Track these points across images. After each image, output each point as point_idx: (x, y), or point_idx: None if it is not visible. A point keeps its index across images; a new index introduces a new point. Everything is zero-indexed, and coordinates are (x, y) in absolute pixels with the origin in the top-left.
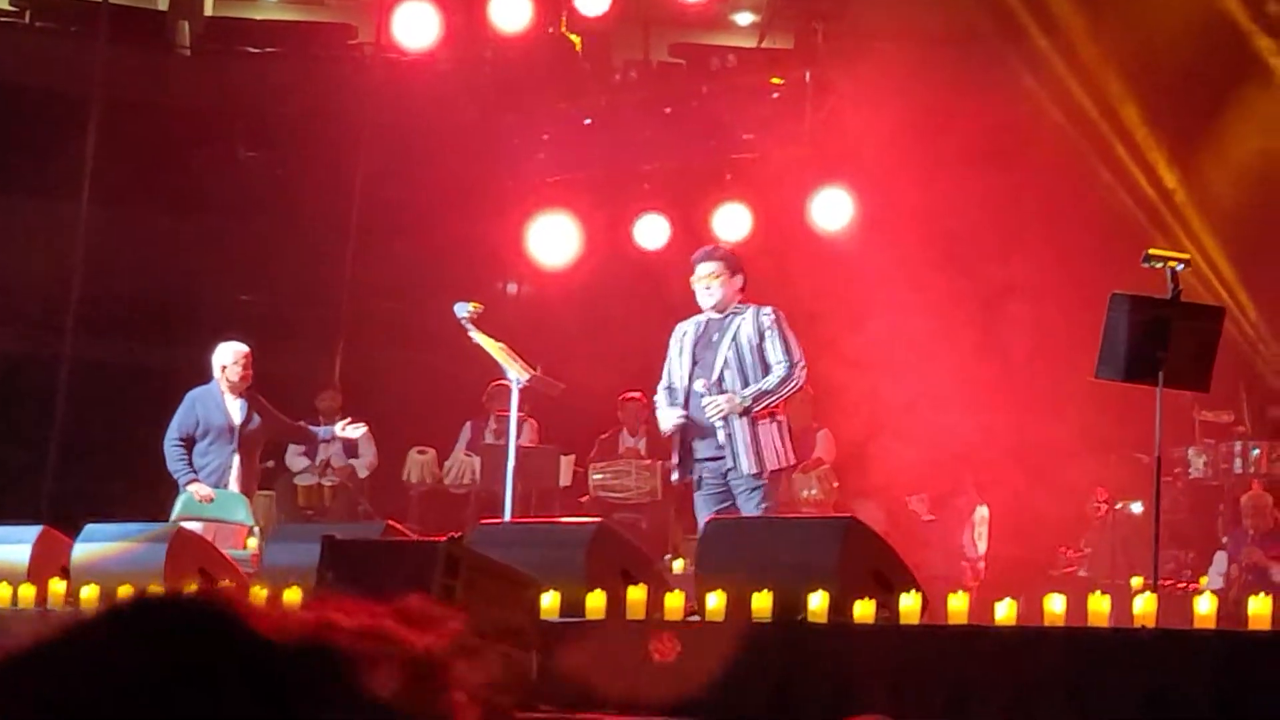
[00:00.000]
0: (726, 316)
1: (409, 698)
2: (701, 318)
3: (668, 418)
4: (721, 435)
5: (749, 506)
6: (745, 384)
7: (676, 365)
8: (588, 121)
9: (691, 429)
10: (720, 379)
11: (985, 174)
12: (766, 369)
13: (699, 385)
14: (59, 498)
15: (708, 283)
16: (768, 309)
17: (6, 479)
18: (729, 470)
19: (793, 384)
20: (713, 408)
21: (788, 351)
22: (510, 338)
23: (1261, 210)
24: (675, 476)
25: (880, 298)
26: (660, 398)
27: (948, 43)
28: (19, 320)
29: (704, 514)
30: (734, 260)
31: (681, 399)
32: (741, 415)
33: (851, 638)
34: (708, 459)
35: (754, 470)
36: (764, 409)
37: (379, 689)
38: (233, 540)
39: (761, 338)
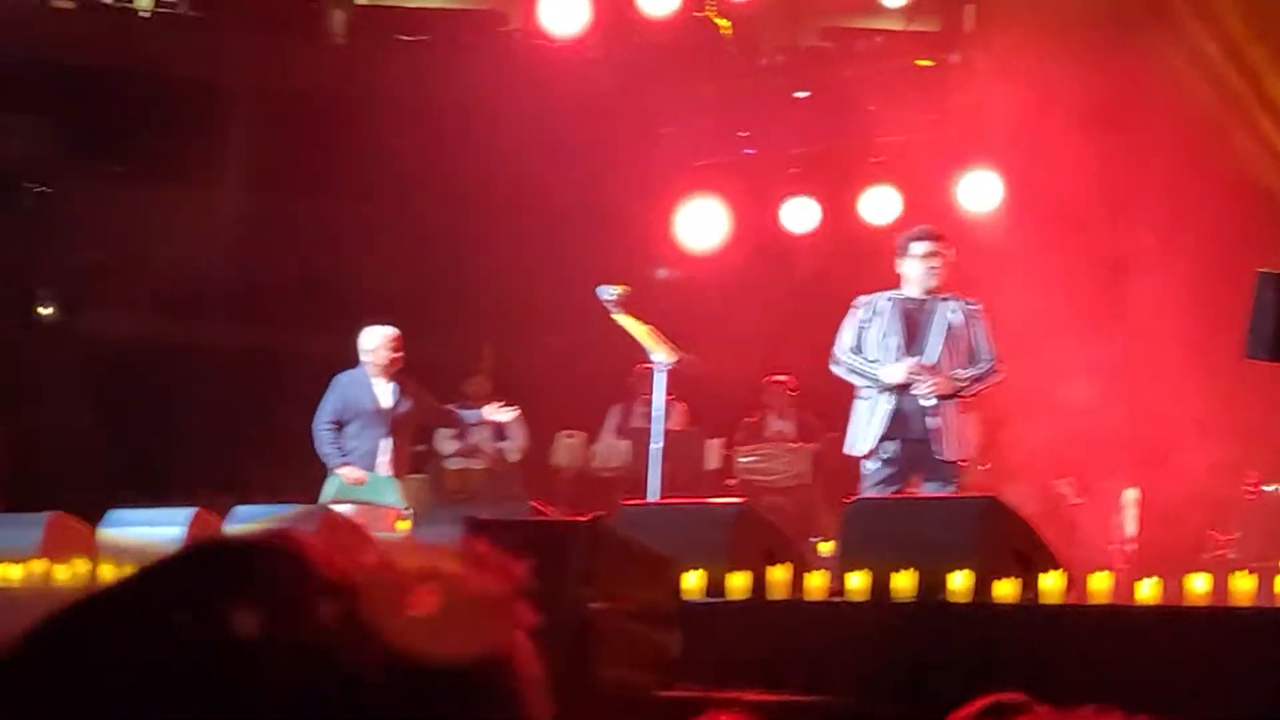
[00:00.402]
0: (930, 300)
1: (464, 634)
2: (895, 294)
3: (896, 370)
4: (933, 419)
5: (939, 491)
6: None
7: (877, 340)
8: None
9: (904, 401)
10: (937, 363)
11: (1130, 151)
12: (971, 360)
13: (905, 367)
14: (210, 482)
15: (934, 263)
16: (976, 301)
17: (159, 463)
18: (927, 455)
19: (996, 378)
20: (928, 387)
21: (992, 347)
22: (659, 321)
23: None
24: (871, 451)
25: (1027, 279)
26: (854, 358)
27: (1093, 22)
28: (170, 307)
29: (874, 490)
30: (954, 245)
31: None
32: (951, 400)
33: (992, 617)
34: (910, 438)
35: (957, 457)
36: (965, 398)
37: (432, 626)
38: (383, 523)
39: (969, 327)
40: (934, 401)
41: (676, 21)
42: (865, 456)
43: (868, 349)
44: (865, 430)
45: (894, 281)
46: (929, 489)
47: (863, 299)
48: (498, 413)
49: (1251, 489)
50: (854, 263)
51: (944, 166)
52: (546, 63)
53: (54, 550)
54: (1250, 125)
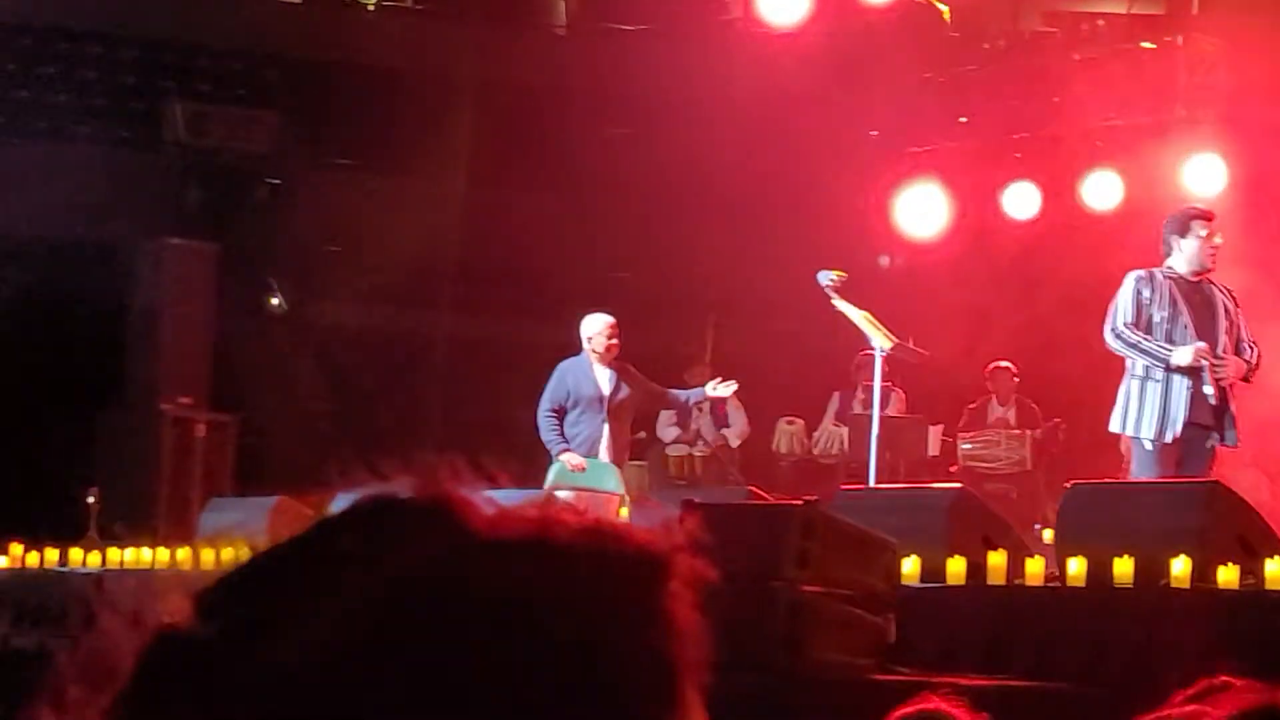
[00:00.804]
0: (1202, 282)
1: (626, 592)
2: (1171, 274)
3: (1186, 353)
4: (1218, 405)
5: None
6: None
7: (1165, 319)
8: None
9: (1196, 385)
10: (1221, 346)
11: None
12: (1238, 347)
13: (1196, 350)
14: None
15: (1217, 241)
16: (1229, 289)
17: (385, 451)
18: (1201, 440)
19: (1257, 371)
20: (1223, 372)
21: (1249, 336)
22: (881, 309)
23: None
24: (1163, 437)
25: (1252, 263)
26: (1140, 336)
27: None
28: (398, 298)
29: (1164, 476)
30: None
31: None
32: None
33: (1215, 603)
34: (1198, 422)
35: (1232, 444)
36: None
37: (595, 585)
38: (605, 509)
39: (1239, 314)
40: (1211, 389)
41: (896, 7)
42: (1158, 439)
43: (1151, 327)
44: (1154, 411)
45: (1115, 266)
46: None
47: (1139, 274)
48: (719, 388)
49: None
50: (1075, 249)
51: (1168, 150)
52: (766, 51)
53: (280, 532)
54: None
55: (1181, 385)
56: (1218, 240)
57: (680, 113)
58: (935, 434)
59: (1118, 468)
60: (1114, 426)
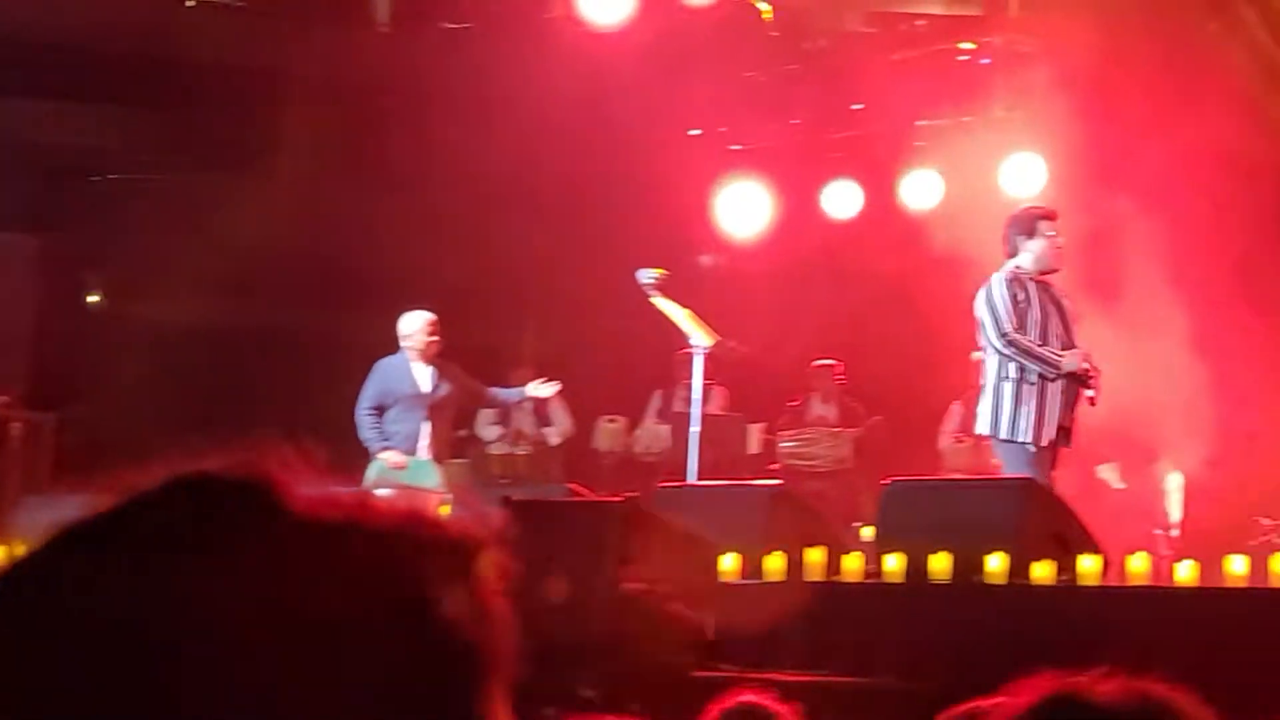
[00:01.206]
0: (1049, 284)
1: (435, 579)
2: (1026, 276)
3: (1074, 358)
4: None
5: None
6: None
7: (1038, 321)
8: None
9: (1070, 390)
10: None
11: (1178, 134)
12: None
13: (1080, 355)
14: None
15: (1061, 241)
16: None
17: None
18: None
19: None
20: (1079, 361)
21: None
22: (702, 307)
23: None
24: (1039, 440)
25: (1075, 262)
26: (1031, 342)
27: (1139, 4)
28: (216, 293)
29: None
30: None
31: None
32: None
33: (1030, 599)
34: (1065, 427)
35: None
36: None
37: (406, 570)
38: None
39: (1074, 311)
40: (1092, 392)
41: (718, 6)
42: (1036, 443)
43: (1027, 329)
44: (1032, 415)
45: (934, 265)
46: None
47: (1006, 275)
48: (540, 388)
49: None
50: (895, 247)
51: (987, 150)
52: (589, 49)
53: None
54: None
55: (1056, 389)
56: (1061, 241)
57: (504, 110)
58: (756, 432)
59: (937, 465)
60: (984, 429)
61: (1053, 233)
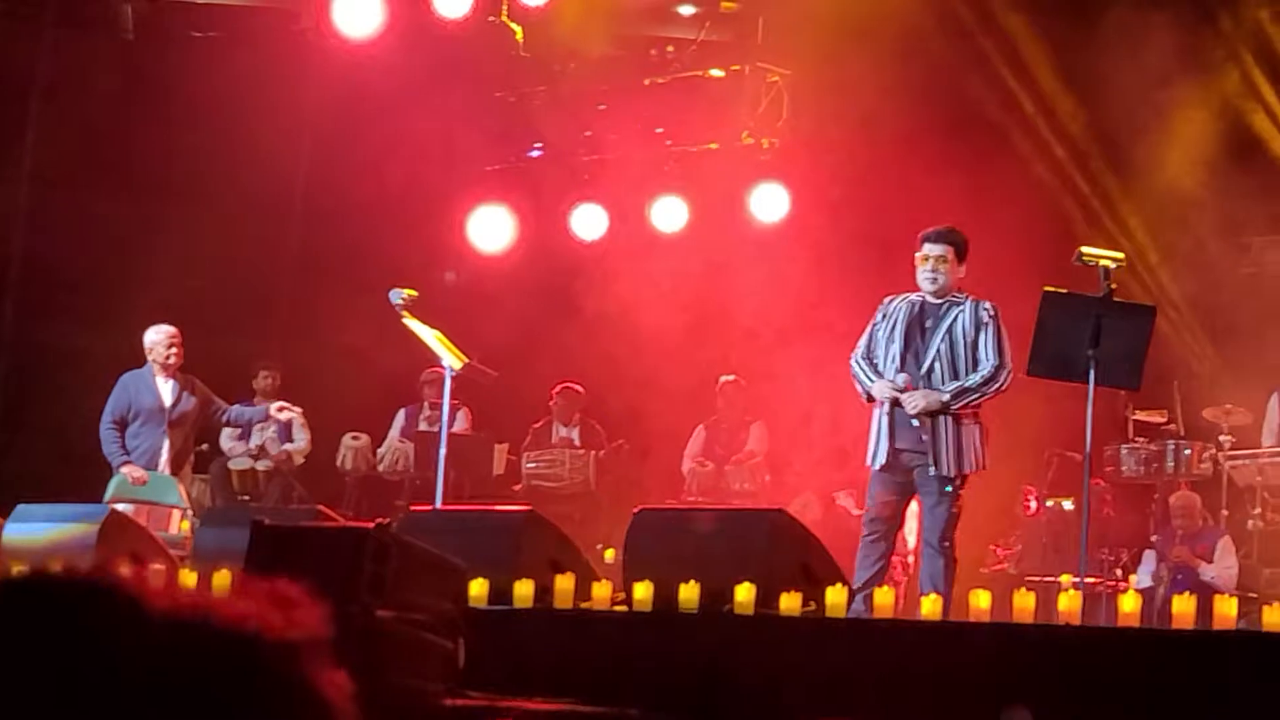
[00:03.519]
0: (944, 304)
1: (282, 678)
2: (915, 297)
3: (882, 388)
4: (926, 432)
5: (934, 507)
6: (955, 378)
7: (883, 342)
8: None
9: (897, 414)
10: (930, 369)
11: (923, 169)
12: (976, 365)
13: (901, 379)
14: None
15: (933, 265)
16: (989, 304)
17: None
18: (921, 467)
19: (997, 385)
20: (910, 404)
21: (1000, 352)
22: (448, 326)
23: (1194, 210)
24: (873, 462)
25: (814, 291)
26: (861, 366)
27: (880, 35)
28: None
29: (880, 497)
30: (964, 245)
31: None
32: (945, 413)
33: (777, 629)
34: (906, 449)
35: (951, 472)
36: (968, 408)
37: (255, 671)
38: (164, 523)
39: (978, 332)
40: (918, 419)
41: (470, 25)
42: (873, 464)
43: (876, 349)
44: (872, 436)
45: (676, 288)
46: (927, 503)
47: (889, 300)
48: (279, 413)
49: (1031, 504)
50: (642, 271)
51: (734, 176)
52: (340, 63)
53: None
54: (1035, 137)
55: (882, 413)
56: (926, 268)
57: (254, 123)
58: (500, 452)
59: (679, 489)
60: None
61: (922, 253)
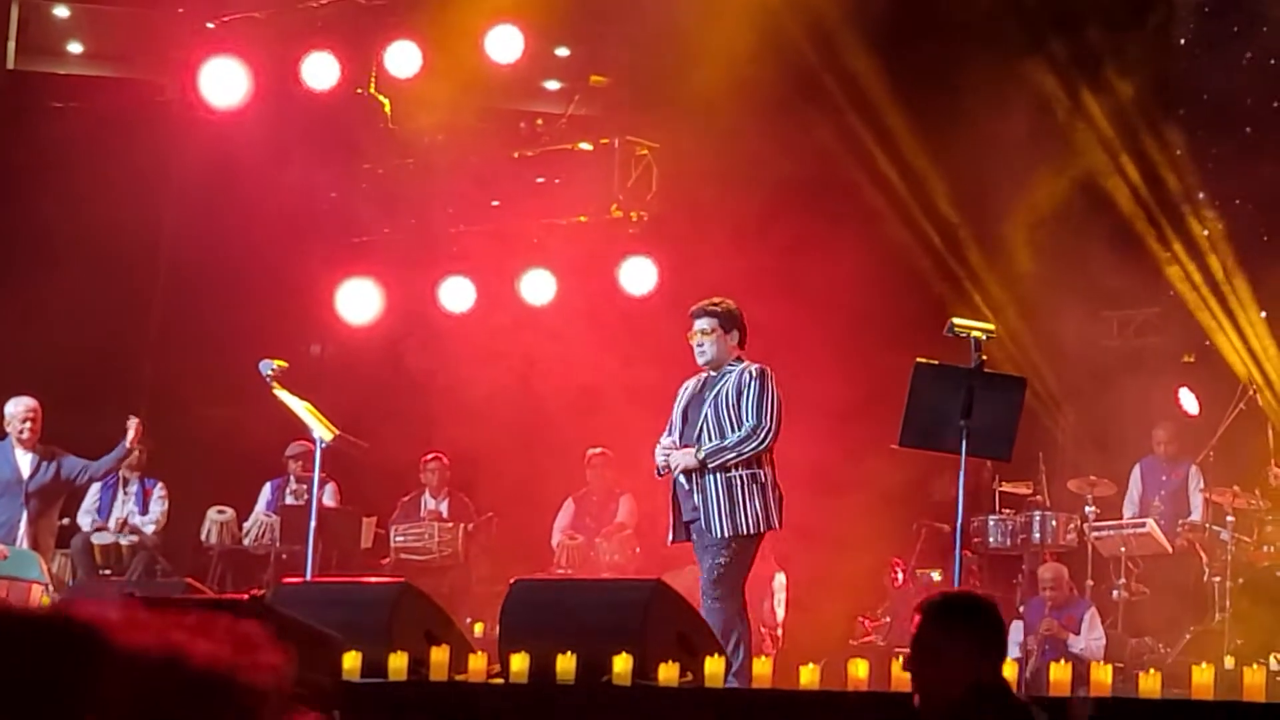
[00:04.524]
0: (721, 374)
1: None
2: (703, 375)
3: (660, 454)
4: (697, 496)
5: (708, 569)
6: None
7: (677, 421)
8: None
9: (677, 488)
10: (699, 437)
11: (790, 242)
12: (740, 427)
13: (660, 452)
14: None
15: (700, 340)
16: (755, 367)
17: None
18: (697, 529)
19: (754, 443)
20: (672, 462)
21: (758, 412)
22: (314, 398)
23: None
24: (670, 537)
25: (683, 363)
26: (660, 444)
27: (755, 111)
28: None
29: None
30: (730, 316)
31: None
32: (716, 473)
33: (656, 700)
34: (688, 519)
35: (724, 534)
36: (744, 469)
37: (226, 712)
38: (26, 597)
39: (740, 395)
40: (687, 480)
41: (338, 96)
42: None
43: (673, 429)
44: (670, 517)
45: (549, 359)
46: (703, 565)
47: (685, 382)
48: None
49: (898, 576)
50: (514, 342)
51: (603, 249)
52: (206, 133)
53: None
54: (901, 209)
55: (677, 486)
56: (693, 341)
57: (118, 193)
58: (369, 526)
59: (548, 562)
60: None
61: (690, 330)
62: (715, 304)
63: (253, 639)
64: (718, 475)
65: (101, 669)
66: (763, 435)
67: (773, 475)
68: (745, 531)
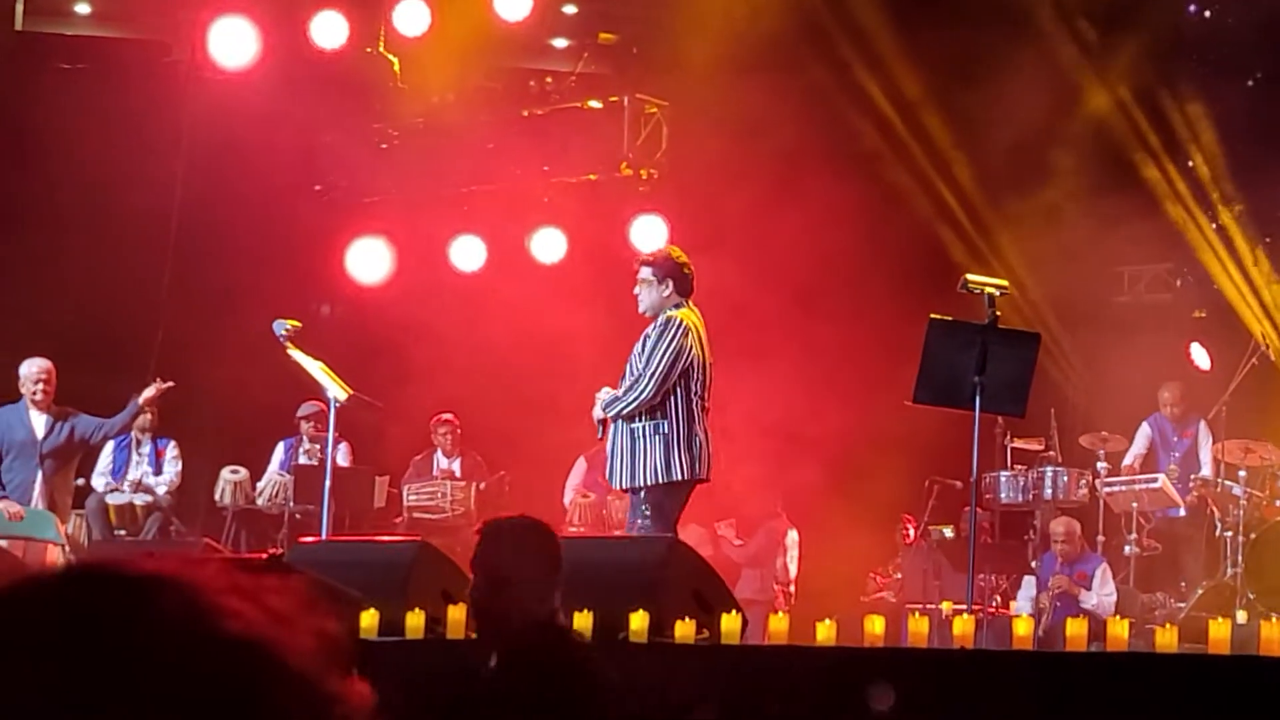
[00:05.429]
0: (655, 322)
1: (309, 683)
2: None
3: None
4: (608, 446)
5: (630, 521)
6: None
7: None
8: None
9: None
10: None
11: (801, 199)
12: None
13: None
14: None
15: (637, 288)
16: (665, 316)
17: None
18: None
19: (634, 394)
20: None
21: (646, 363)
22: (325, 358)
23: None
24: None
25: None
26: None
27: (765, 68)
28: None
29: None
30: (664, 266)
31: None
32: (620, 423)
33: (672, 657)
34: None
35: (627, 485)
36: (641, 416)
37: (281, 676)
38: (42, 557)
39: (643, 345)
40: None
41: (347, 56)
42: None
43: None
44: None
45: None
46: (627, 518)
47: None
48: (149, 391)
49: (909, 532)
50: (522, 301)
51: (614, 208)
52: (215, 94)
53: None
54: (914, 168)
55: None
56: (635, 288)
57: (128, 154)
58: (381, 485)
59: (560, 520)
60: None
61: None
62: (655, 254)
63: (308, 599)
64: (621, 425)
65: (194, 621)
66: (642, 387)
67: (686, 425)
68: (647, 482)
